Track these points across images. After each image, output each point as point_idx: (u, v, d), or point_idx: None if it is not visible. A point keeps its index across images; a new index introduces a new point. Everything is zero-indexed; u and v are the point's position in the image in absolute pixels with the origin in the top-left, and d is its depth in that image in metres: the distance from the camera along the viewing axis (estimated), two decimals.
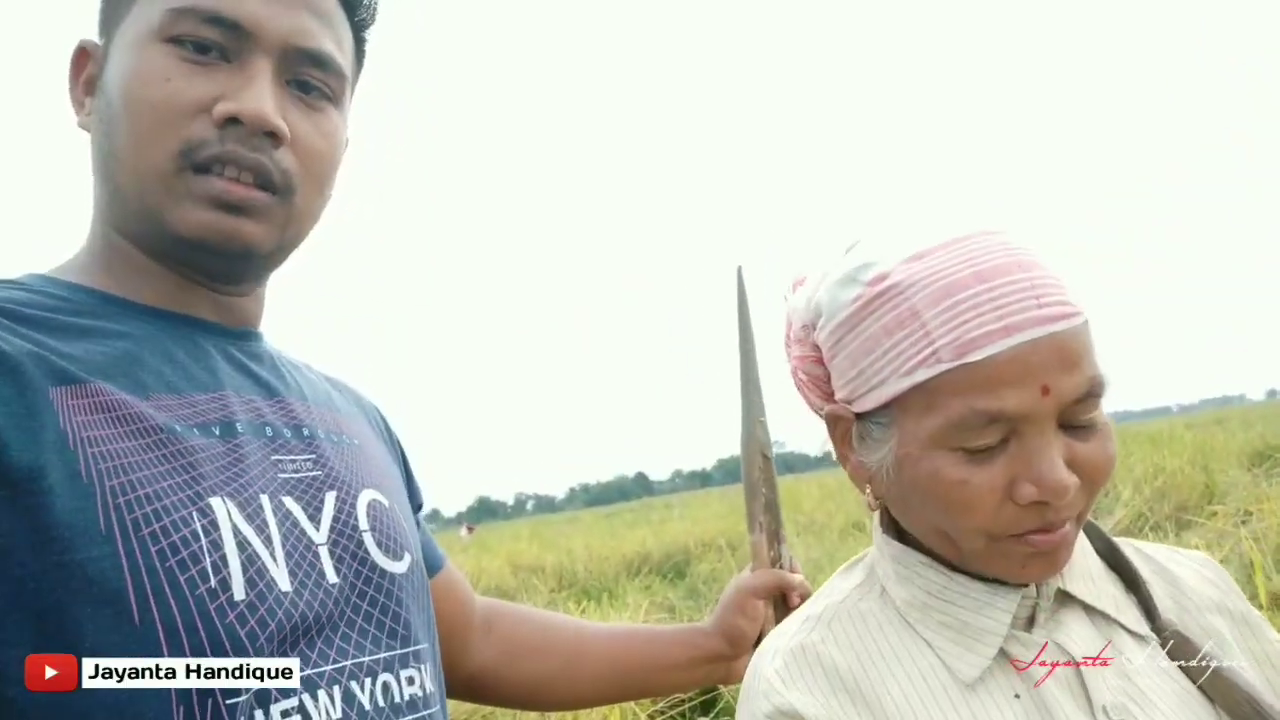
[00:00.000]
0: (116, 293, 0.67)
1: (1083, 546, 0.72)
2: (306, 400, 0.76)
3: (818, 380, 0.76)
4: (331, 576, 0.66)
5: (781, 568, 1.05)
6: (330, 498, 0.69)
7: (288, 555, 0.63)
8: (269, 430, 0.68)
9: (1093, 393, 0.61)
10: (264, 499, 0.63)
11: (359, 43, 0.78)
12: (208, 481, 0.60)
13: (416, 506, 0.89)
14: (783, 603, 1.02)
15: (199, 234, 0.64)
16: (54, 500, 0.53)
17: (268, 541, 0.62)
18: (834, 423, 0.72)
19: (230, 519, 0.60)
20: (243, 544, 0.60)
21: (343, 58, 0.72)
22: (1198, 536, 5.69)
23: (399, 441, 0.92)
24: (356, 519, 0.70)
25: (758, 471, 1.05)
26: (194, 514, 0.58)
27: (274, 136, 0.65)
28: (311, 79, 0.69)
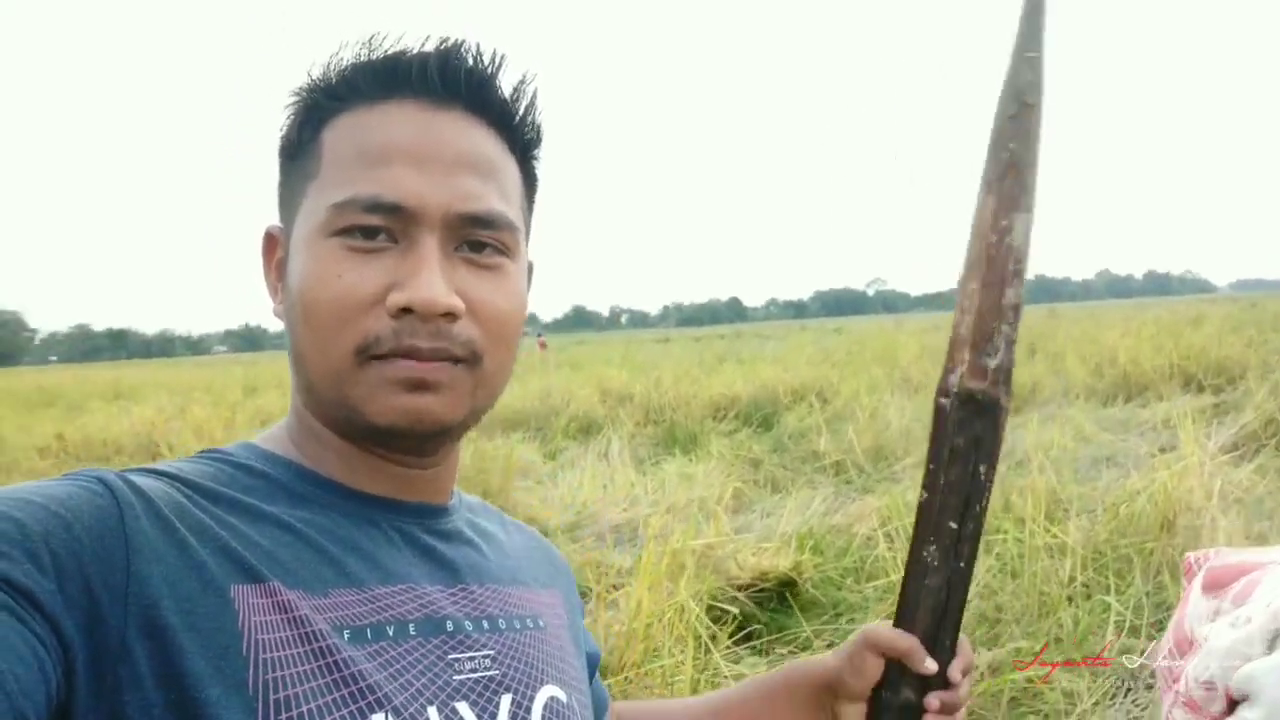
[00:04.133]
0: (311, 467, 0.69)
1: None
2: (493, 581, 0.75)
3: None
4: None
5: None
6: (505, 700, 0.67)
7: None
8: (449, 625, 0.67)
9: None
10: (431, 711, 0.62)
11: (527, 166, 0.76)
12: (372, 696, 0.59)
13: (592, 669, 0.88)
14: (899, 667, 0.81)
15: (391, 420, 0.65)
16: (219, 712, 0.53)
17: None
18: None
19: None
20: None
21: (511, 208, 0.71)
22: None
23: (580, 603, 0.91)
24: None
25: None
26: None
27: (450, 314, 0.65)
28: (482, 239, 0.68)
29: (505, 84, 0.71)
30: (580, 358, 22.23)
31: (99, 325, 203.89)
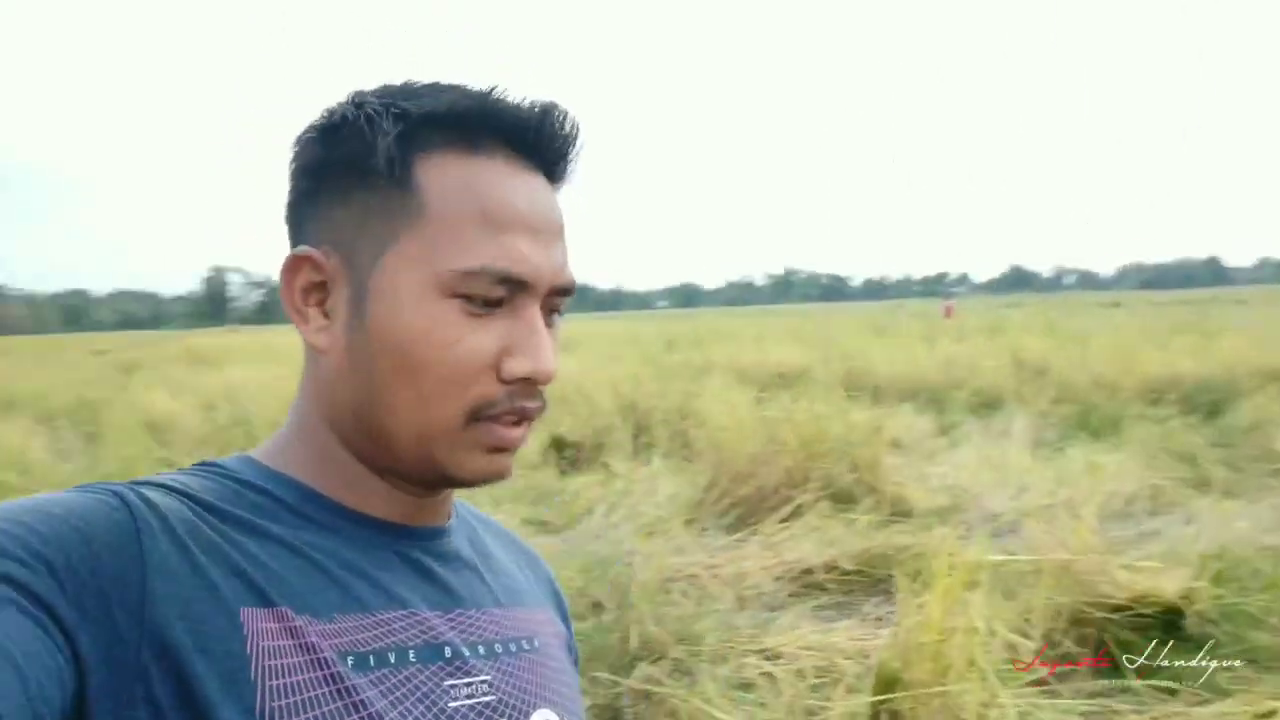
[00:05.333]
0: (313, 486, 0.69)
1: None
2: (491, 605, 0.75)
3: None
4: None
5: None
6: None
7: None
8: (447, 651, 0.68)
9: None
10: None
11: None
12: None
13: (574, 661, 0.87)
14: None
15: (476, 478, 0.68)
16: None
17: None
18: None
19: None
20: None
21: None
22: None
23: (564, 601, 0.91)
24: None
25: None
26: None
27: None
28: (560, 307, 0.71)
29: (578, 150, 0.72)
30: (1004, 323, 20.60)
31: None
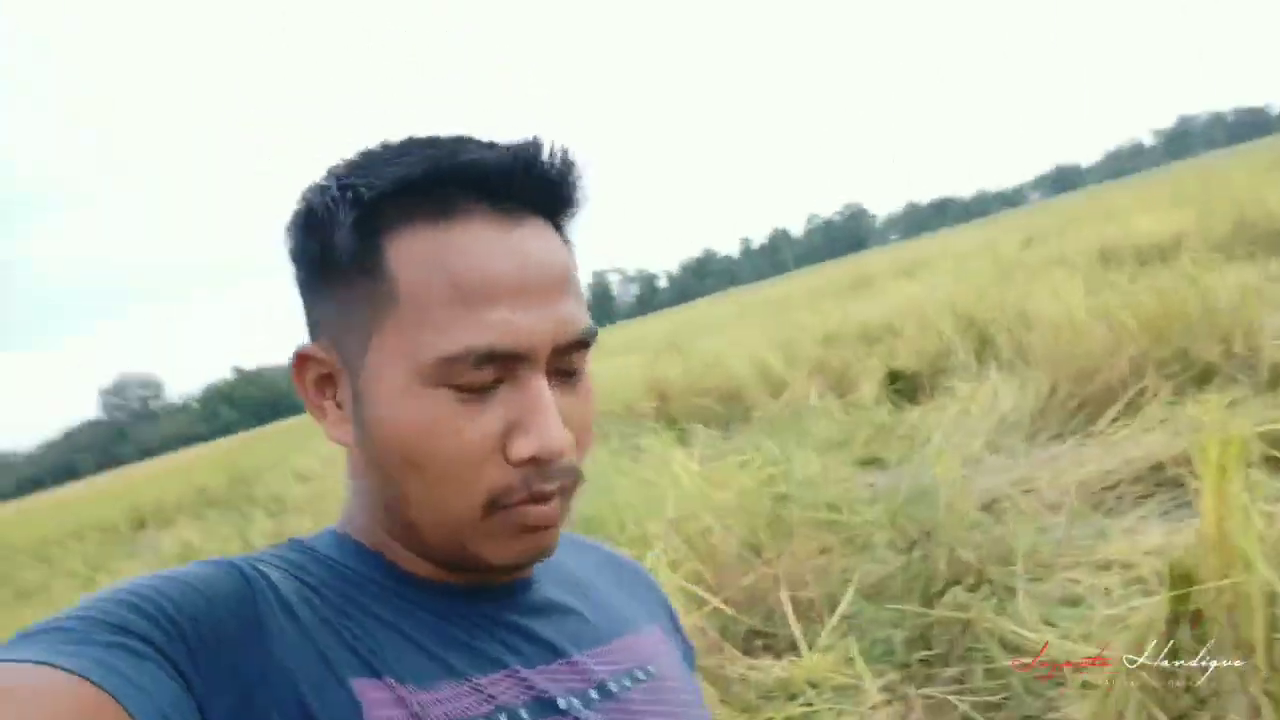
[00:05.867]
0: (395, 562, 0.67)
1: None
2: (595, 644, 0.72)
3: None
4: None
5: None
6: None
7: None
8: (560, 703, 0.65)
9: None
10: None
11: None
12: None
13: (691, 662, 0.85)
14: None
15: (509, 560, 0.65)
16: None
17: None
18: None
19: None
20: None
21: (587, 312, 0.67)
22: None
23: (674, 610, 0.88)
24: None
25: None
26: None
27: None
28: (576, 364, 0.66)
29: (574, 180, 0.66)
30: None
31: (924, 199, 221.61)
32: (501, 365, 0.61)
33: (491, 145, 0.62)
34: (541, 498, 0.63)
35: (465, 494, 0.62)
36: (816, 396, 7.41)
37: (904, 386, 7.28)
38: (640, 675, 0.72)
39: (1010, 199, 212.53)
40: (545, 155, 0.63)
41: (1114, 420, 4.57)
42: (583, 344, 0.65)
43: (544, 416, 0.61)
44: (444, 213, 0.61)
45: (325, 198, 0.62)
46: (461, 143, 0.63)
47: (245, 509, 11.63)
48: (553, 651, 0.69)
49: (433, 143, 0.63)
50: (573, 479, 0.65)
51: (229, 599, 0.57)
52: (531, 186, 0.63)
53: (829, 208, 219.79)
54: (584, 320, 0.65)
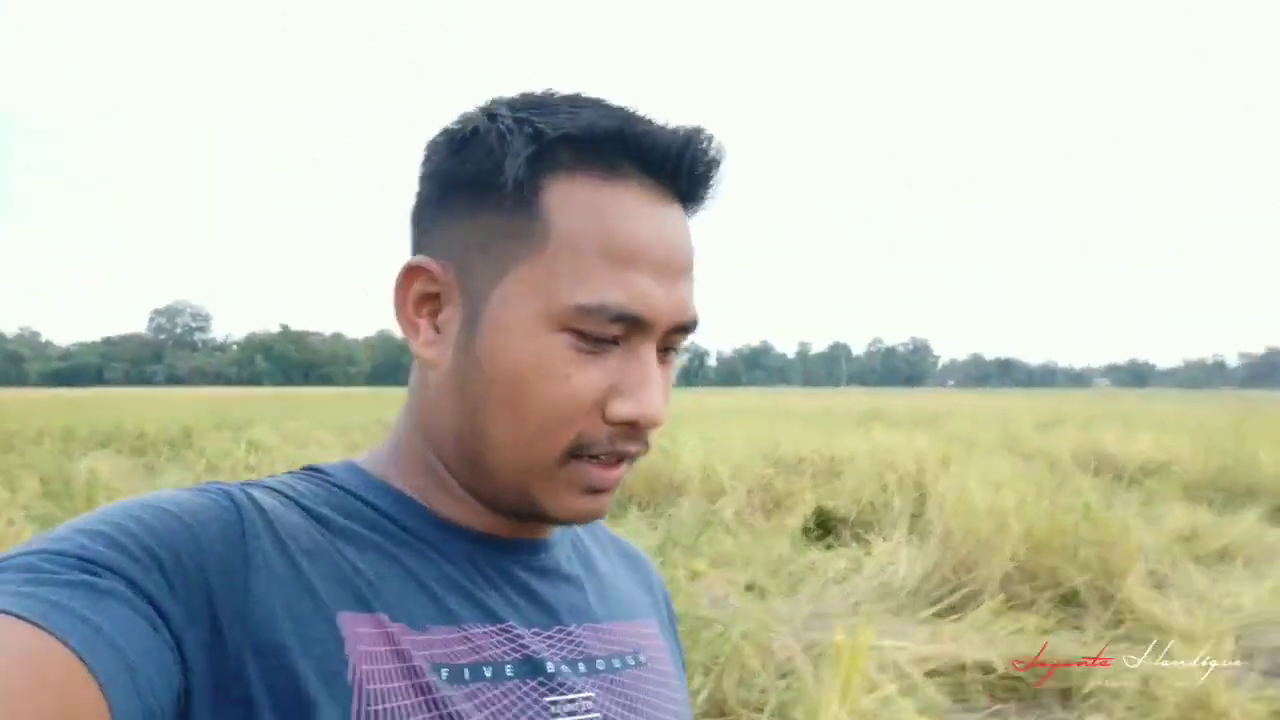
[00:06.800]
0: (414, 497, 0.68)
1: None
2: (592, 620, 0.73)
3: None
4: None
5: None
6: None
7: None
8: (548, 666, 0.66)
9: None
10: None
11: None
12: None
13: (682, 669, 0.85)
14: None
15: (568, 516, 0.66)
16: None
17: None
18: None
19: None
20: None
21: None
22: None
23: (673, 610, 0.90)
24: None
25: None
26: None
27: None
28: (679, 345, 0.69)
29: (720, 177, 0.68)
30: None
31: (989, 354, 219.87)
32: (627, 327, 0.63)
33: (664, 125, 0.64)
34: (620, 458, 0.65)
35: (553, 437, 0.63)
36: (746, 513, 7.58)
37: (831, 526, 7.41)
38: (630, 660, 0.73)
39: (1078, 378, 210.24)
40: (705, 144, 0.65)
41: (965, 611, 4.66)
42: (689, 329, 0.68)
43: (651, 385, 0.64)
44: (608, 172, 0.63)
45: (499, 125, 0.63)
46: (634, 113, 0.64)
47: (178, 457, 11.99)
48: (551, 617, 0.69)
49: (601, 104, 0.64)
50: (645, 450, 0.67)
51: (214, 529, 0.56)
52: (685, 171, 0.65)
53: (896, 337, 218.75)
54: (696, 309, 0.68)
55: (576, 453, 0.63)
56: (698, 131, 0.64)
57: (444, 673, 0.60)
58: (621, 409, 0.62)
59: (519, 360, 0.62)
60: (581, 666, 0.68)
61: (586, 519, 0.66)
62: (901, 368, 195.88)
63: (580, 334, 0.62)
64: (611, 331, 0.62)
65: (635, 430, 0.64)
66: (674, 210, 0.65)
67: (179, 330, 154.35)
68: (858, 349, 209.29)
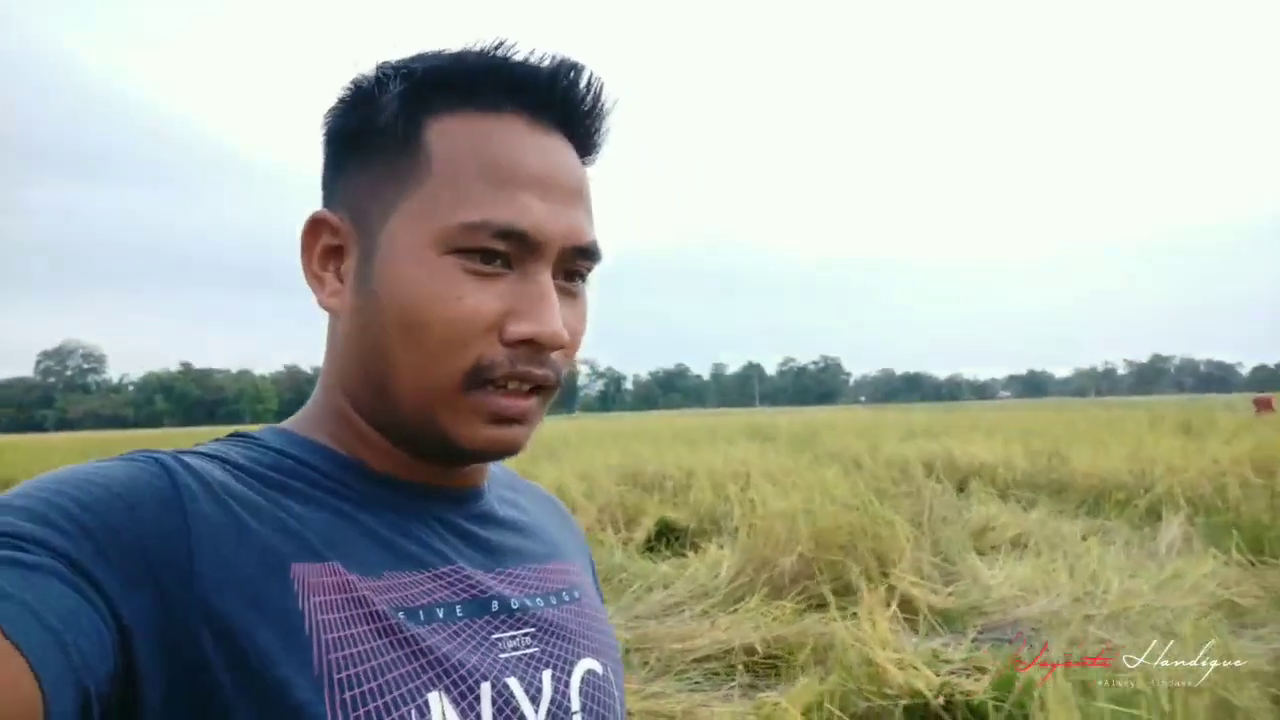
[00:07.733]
0: (347, 454, 0.69)
1: None
2: (531, 560, 0.76)
3: None
4: None
5: None
6: (546, 676, 0.68)
7: None
8: (494, 605, 0.68)
9: None
10: (485, 686, 0.63)
11: None
12: (427, 675, 0.61)
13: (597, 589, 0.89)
14: None
15: (478, 448, 0.66)
16: (285, 691, 0.54)
17: None
18: None
19: (444, 716, 0.60)
20: None
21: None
22: None
23: (592, 558, 0.92)
24: (569, 700, 0.69)
25: None
26: (412, 712, 0.59)
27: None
28: (580, 270, 0.70)
29: (602, 110, 0.70)
30: None
31: (900, 370, 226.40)
32: (515, 246, 0.63)
33: (539, 60, 0.66)
34: (523, 379, 0.65)
35: (451, 360, 0.63)
36: (597, 529, 8.03)
37: (668, 537, 7.92)
38: (566, 597, 0.76)
39: (982, 389, 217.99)
40: (575, 75, 0.67)
41: (750, 604, 5.18)
42: (589, 254, 0.68)
43: (545, 304, 0.64)
44: (486, 107, 0.65)
45: (378, 73, 0.66)
46: (501, 45, 0.66)
47: None
48: (493, 558, 0.72)
49: (482, 51, 0.66)
50: (553, 380, 0.67)
51: (146, 495, 0.55)
52: (562, 102, 0.67)
53: (807, 356, 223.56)
54: (593, 234, 0.68)
55: (478, 376, 0.64)
56: (566, 62, 0.67)
57: (402, 615, 0.61)
58: (518, 328, 0.63)
59: (411, 286, 0.63)
60: (525, 603, 0.70)
61: (497, 451, 0.66)
62: (812, 386, 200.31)
63: (468, 252, 0.63)
64: (498, 247, 0.63)
65: (535, 350, 0.64)
66: (556, 139, 0.67)
67: (69, 373, 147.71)
68: (770, 369, 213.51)
